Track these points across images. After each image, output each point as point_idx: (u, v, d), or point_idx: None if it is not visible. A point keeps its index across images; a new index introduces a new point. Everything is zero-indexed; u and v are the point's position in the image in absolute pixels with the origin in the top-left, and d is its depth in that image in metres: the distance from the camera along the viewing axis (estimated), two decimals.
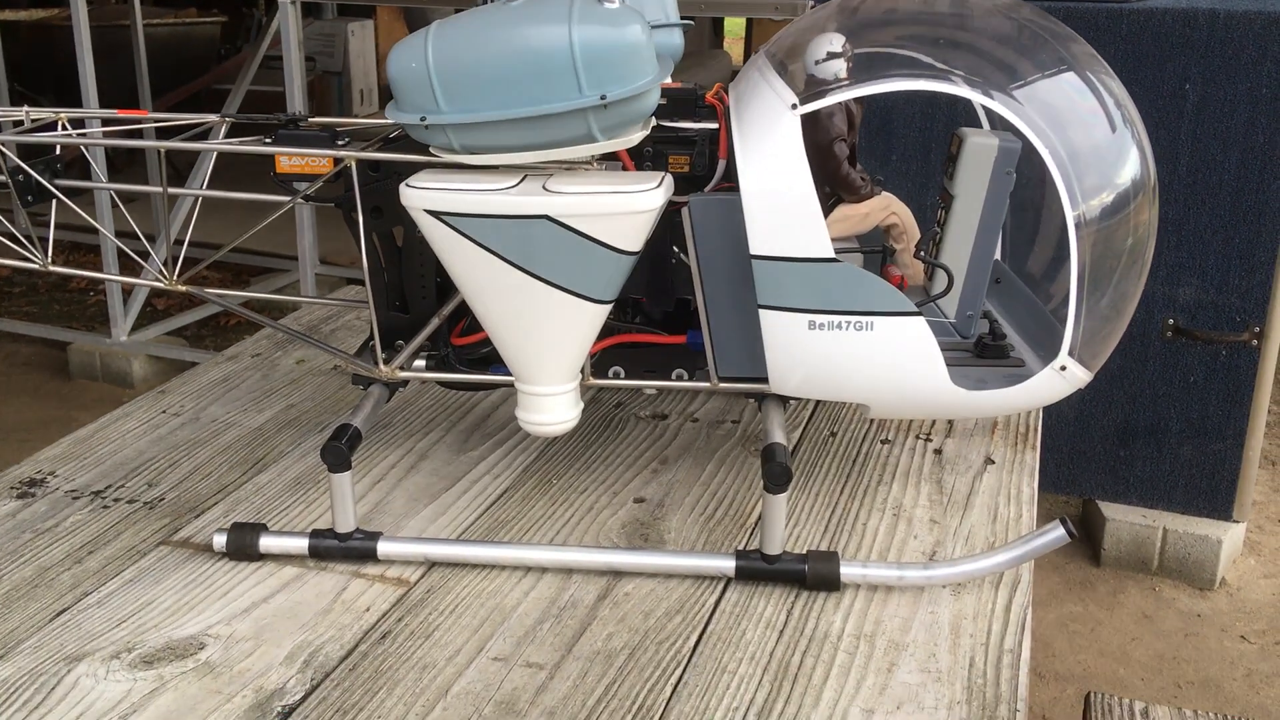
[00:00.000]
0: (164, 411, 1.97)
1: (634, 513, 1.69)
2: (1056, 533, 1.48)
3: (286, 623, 1.42)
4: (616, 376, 1.68)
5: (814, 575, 1.50)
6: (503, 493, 1.74)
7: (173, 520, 1.64)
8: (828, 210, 1.73)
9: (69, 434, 1.88)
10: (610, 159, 1.58)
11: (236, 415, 1.96)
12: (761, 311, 1.52)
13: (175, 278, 1.64)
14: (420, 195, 1.46)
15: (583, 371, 1.62)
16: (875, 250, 1.71)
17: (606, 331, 1.67)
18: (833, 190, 1.73)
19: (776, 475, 1.47)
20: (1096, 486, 3.80)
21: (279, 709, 1.27)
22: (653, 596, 1.49)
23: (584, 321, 1.52)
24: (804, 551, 1.53)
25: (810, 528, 1.66)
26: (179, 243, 1.75)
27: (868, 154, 3.40)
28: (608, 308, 1.53)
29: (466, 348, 1.67)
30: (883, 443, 1.90)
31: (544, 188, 1.45)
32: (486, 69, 1.40)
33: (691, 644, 1.40)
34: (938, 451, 1.88)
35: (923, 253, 1.66)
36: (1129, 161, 1.57)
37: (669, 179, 1.51)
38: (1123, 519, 3.81)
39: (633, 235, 1.47)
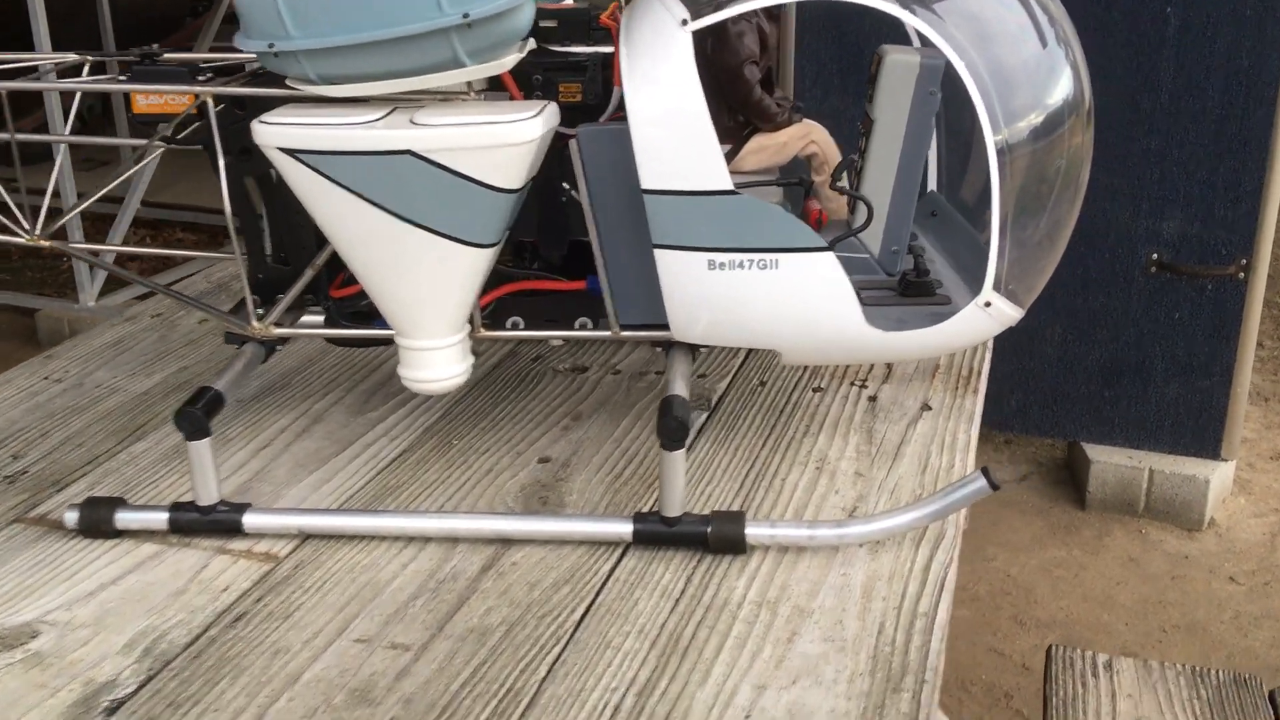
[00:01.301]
0: (46, 378, 1.84)
1: (536, 474, 1.56)
2: (978, 484, 1.34)
3: (133, 606, 1.30)
4: (515, 328, 1.54)
5: (717, 537, 1.37)
6: (397, 456, 1.61)
7: (32, 495, 1.52)
8: (742, 141, 1.59)
9: None
10: (496, 88, 1.44)
11: (123, 380, 1.83)
12: (657, 252, 1.39)
13: (39, 231, 1.51)
14: (273, 132, 1.32)
15: (472, 322, 1.48)
16: (793, 182, 1.57)
17: (502, 279, 1.53)
18: (746, 118, 1.59)
19: (672, 431, 1.33)
20: (1081, 428, 3.66)
21: (106, 704, 1.15)
22: (542, 565, 1.37)
23: (463, 268, 1.38)
24: (708, 512, 1.40)
25: (725, 485, 1.52)
26: (41, 193, 1.62)
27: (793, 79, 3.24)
28: (490, 252, 1.39)
29: (347, 300, 1.54)
30: (814, 390, 1.77)
31: (411, 121, 1.31)
32: None
33: (577, 617, 1.28)
34: (872, 399, 1.74)
35: (841, 183, 1.51)
36: (1060, 81, 1.42)
37: (551, 108, 1.37)
38: (1108, 460, 3.67)
39: (510, 171, 1.33)
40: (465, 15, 1.26)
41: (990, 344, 1.85)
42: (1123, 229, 3.31)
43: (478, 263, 1.38)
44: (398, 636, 1.25)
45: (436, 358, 1.43)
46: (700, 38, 1.38)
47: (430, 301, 1.40)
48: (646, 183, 1.35)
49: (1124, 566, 3.57)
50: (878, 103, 1.54)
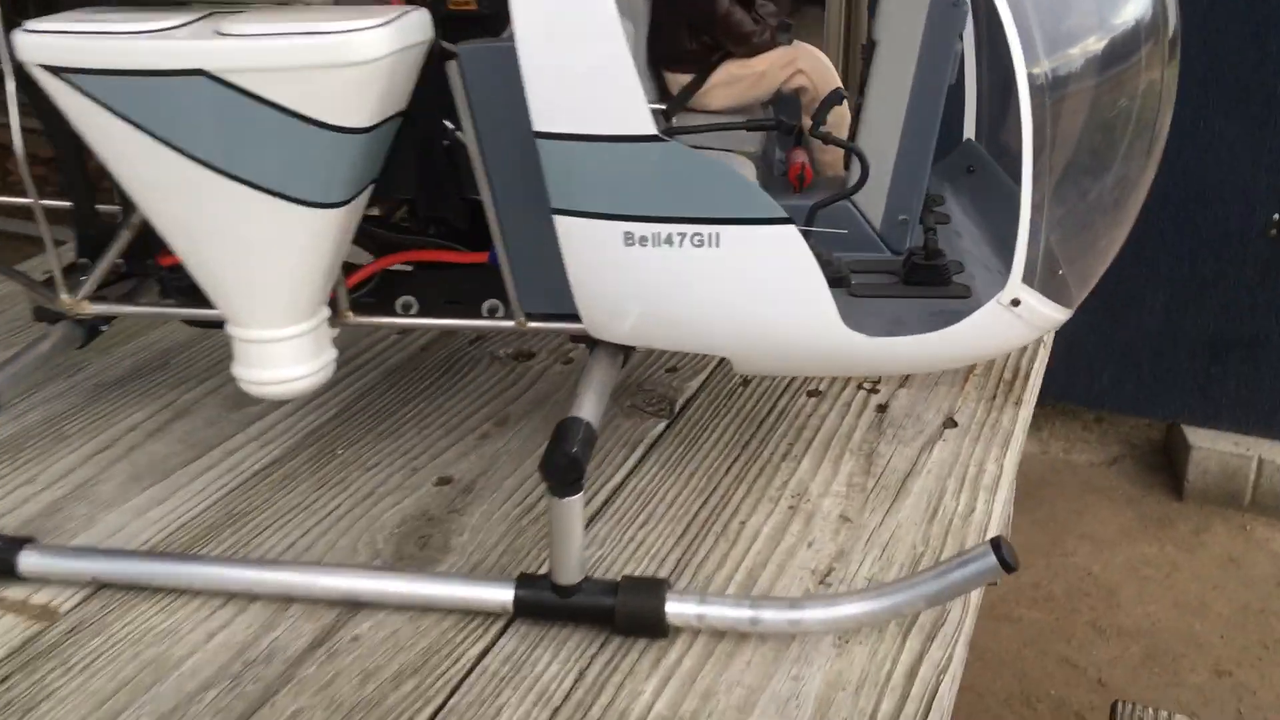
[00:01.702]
0: None
1: (426, 502, 1.21)
2: (985, 561, 0.95)
3: None
4: (407, 310, 1.18)
5: (625, 615, 1.00)
6: (261, 469, 1.27)
7: None
8: (708, 68, 1.20)
9: None
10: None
11: None
12: (556, 219, 1.01)
13: None
14: (35, 44, 0.97)
15: (335, 305, 1.13)
16: (768, 124, 1.17)
17: (388, 247, 1.17)
18: (713, 38, 1.19)
19: (560, 470, 0.96)
20: (1181, 408, 3.28)
21: None
22: (390, 643, 1.02)
23: (299, 235, 1.02)
24: (620, 577, 1.03)
25: (663, 529, 1.15)
26: None
27: None
28: (337, 214, 1.03)
29: (176, 271, 1.19)
30: (809, 395, 1.38)
31: (215, 31, 0.95)
32: None
33: None
34: (882, 408, 1.35)
35: (826, 126, 1.11)
36: None
37: (415, 17, 1.00)
38: (1211, 446, 3.27)
39: (349, 102, 0.96)
40: None
41: (1047, 339, 1.45)
42: (1239, 185, 2.92)
43: (321, 227, 1.02)
44: None
45: (275, 352, 1.08)
46: None
47: (259, 279, 1.05)
48: (539, 123, 0.97)
49: (1223, 568, 3.19)
50: (882, 17, 1.13)
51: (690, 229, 0.98)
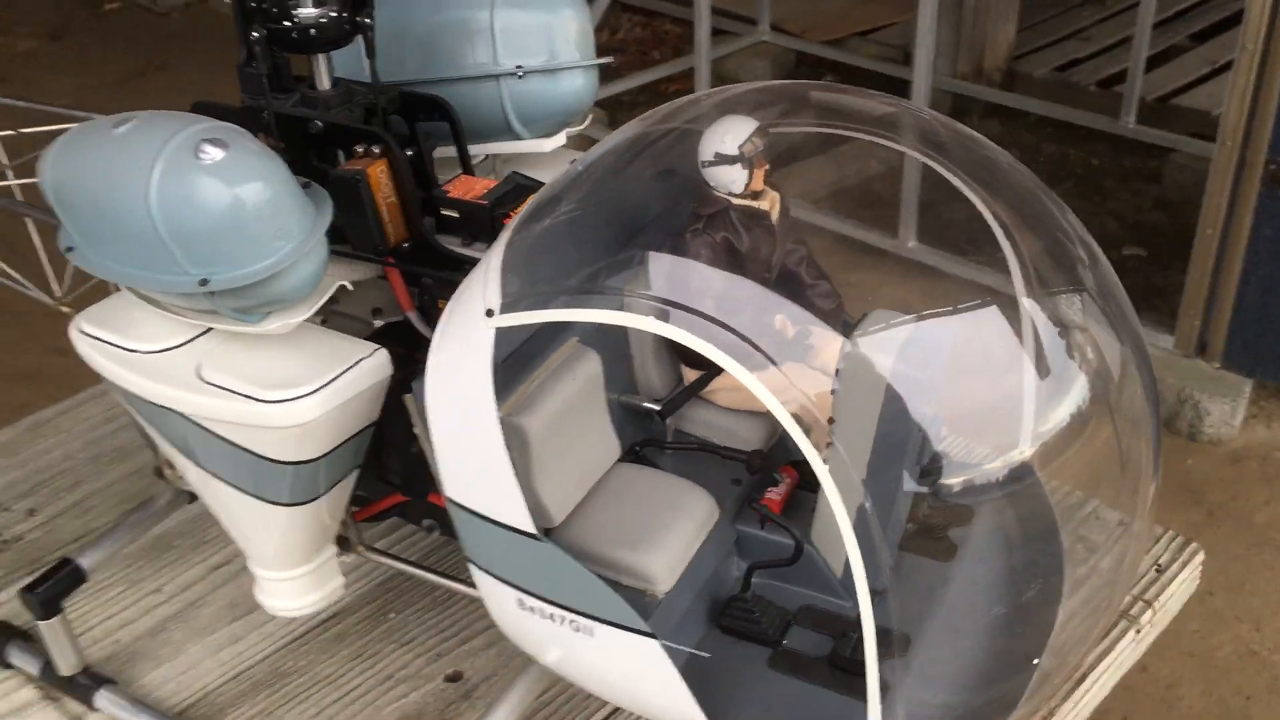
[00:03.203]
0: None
1: (429, 699, 1.36)
2: None
3: None
4: (430, 530, 1.31)
5: None
6: (324, 621, 1.46)
7: (7, 573, 1.56)
8: (716, 371, 1.18)
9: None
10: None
11: None
12: (470, 567, 1.08)
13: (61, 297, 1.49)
14: (84, 346, 1.16)
15: (344, 542, 1.28)
16: (739, 456, 1.15)
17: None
18: None
19: None
20: None
21: None
22: None
23: (276, 522, 1.17)
24: None
25: None
26: None
27: None
28: (306, 508, 1.16)
29: None
30: None
31: (196, 370, 1.09)
32: (95, 218, 1.05)
33: None
34: None
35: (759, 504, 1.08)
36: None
37: (369, 363, 1.09)
38: None
39: (288, 446, 1.08)
40: (204, 281, 1.00)
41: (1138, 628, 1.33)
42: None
43: (296, 518, 1.16)
44: None
45: (279, 588, 1.25)
46: None
47: (254, 543, 1.22)
48: (448, 489, 1.04)
49: None
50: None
51: (568, 615, 1.02)
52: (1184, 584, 1.44)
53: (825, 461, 0.94)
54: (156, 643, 1.46)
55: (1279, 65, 2.86)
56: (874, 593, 1.09)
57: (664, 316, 0.94)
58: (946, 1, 3.58)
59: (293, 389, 1.05)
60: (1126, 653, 1.37)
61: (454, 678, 1.39)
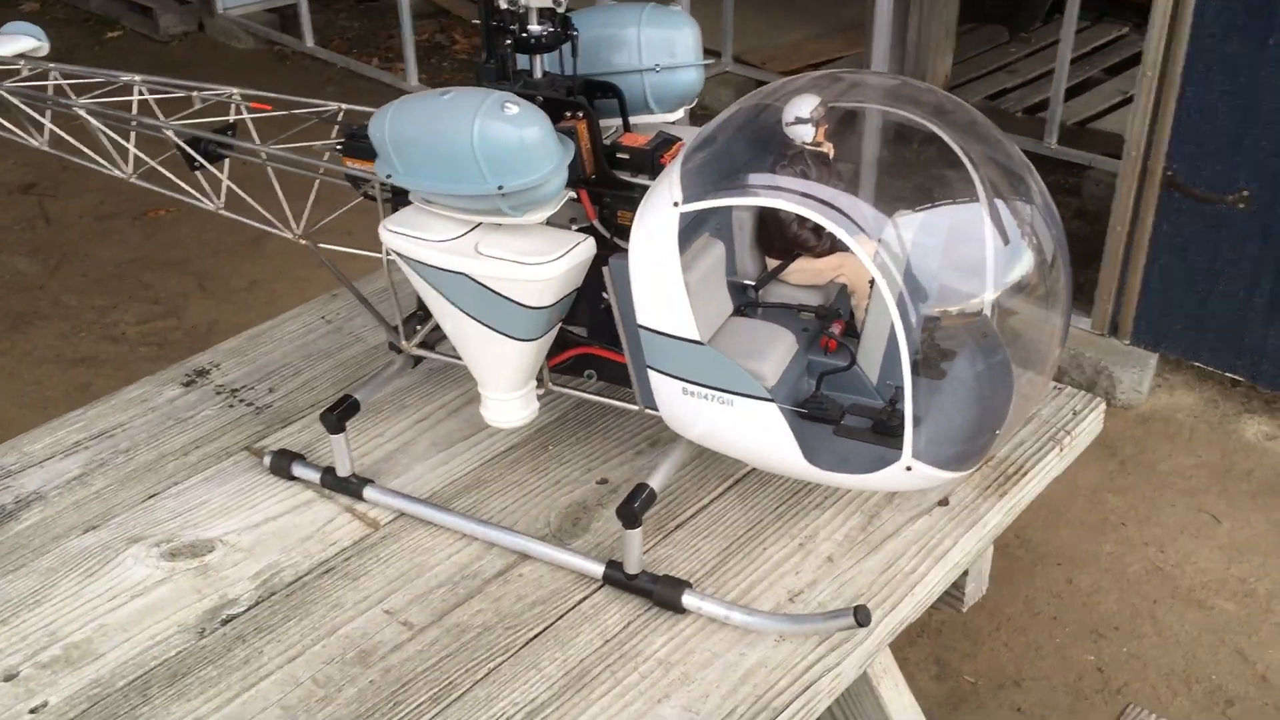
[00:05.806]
0: (323, 317, 2.50)
1: (587, 495, 2.01)
2: (844, 619, 1.63)
3: (276, 541, 1.93)
4: (590, 378, 1.96)
5: (660, 597, 1.77)
6: (503, 451, 2.11)
7: (266, 428, 2.19)
8: (791, 259, 1.86)
9: (246, 329, 2.47)
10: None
11: (369, 330, 2.44)
12: (649, 370, 1.74)
13: (299, 233, 2.11)
14: (391, 238, 1.81)
15: (540, 380, 1.92)
16: (808, 308, 1.83)
17: (576, 342, 1.94)
18: (787, 246, 1.85)
19: (627, 516, 1.73)
20: None
21: (223, 616, 1.80)
22: (537, 582, 1.84)
23: (513, 353, 1.82)
24: (661, 574, 1.79)
25: (713, 542, 1.89)
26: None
27: None
28: (535, 344, 1.81)
29: None
30: None
31: (475, 247, 1.74)
32: (423, 150, 1.70)
33: (530, 635, 1.75)
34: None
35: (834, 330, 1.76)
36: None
37: (583, 245, 1.74)
38: None
39: (537, 295, 1.74)
40: (500, 187, 1.65)
41: (1077, 428, 2.02)
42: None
43: (525, 350, 1.81)
44: (411, 615, 1.79)
45: (501, 406, 1.90)
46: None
47: (489, 369, 1.86)
48: (639, 317, 1.70)
49: None
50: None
51: (716, 393, 1.69)
52: (1091, 421, 2.13)
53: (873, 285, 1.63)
54: (391, 462, 2.09)
55: (1173, 88, 3.64)
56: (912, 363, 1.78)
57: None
58: (892, 38, 4.30)
59: (544, 256, 1.71)
60: (1053, 464, 2.05)
61: (603, 481, 2.04)
